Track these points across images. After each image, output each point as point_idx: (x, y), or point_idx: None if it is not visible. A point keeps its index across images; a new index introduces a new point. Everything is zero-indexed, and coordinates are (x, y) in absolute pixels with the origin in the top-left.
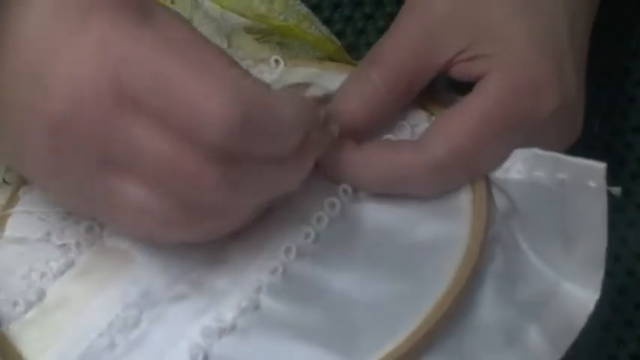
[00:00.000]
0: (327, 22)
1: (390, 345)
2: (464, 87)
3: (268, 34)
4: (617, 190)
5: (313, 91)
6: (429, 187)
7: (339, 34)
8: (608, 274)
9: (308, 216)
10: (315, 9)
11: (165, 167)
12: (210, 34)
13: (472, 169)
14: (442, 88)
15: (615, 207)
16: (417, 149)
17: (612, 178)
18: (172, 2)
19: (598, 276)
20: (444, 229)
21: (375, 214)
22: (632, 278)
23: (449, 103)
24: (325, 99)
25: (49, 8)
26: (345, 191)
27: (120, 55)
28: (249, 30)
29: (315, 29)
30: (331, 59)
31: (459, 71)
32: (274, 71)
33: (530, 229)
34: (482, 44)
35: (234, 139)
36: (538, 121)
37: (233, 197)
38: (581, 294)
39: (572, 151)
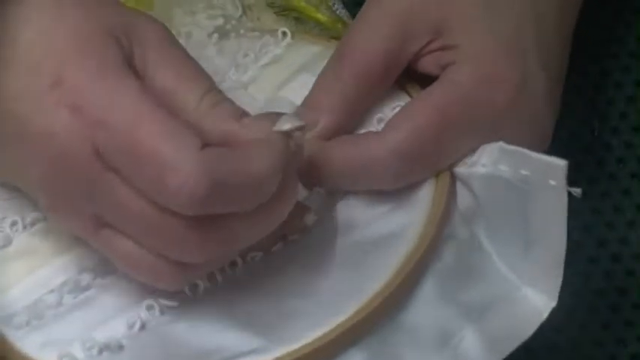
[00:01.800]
0: None
1: (313, 335)
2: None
3: (287, 10)
4: (577, 191)
5: (282, 124)
6: (393, 177)
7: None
8: (608, 274)
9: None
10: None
11: (148, 228)
12: (224, 1)
13: (434, 158)
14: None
15: (615, 207)
16: (380, 137)
17: (612, 178)
18: None
19: (556, 282)
20: (396, 226)
21: (338, 211)
22: (632, 278)
23: None
24: (296, 130)
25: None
26: (318, 194)
27: (95, 119)
28: (270, 4)
29: (331, 12)
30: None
31: (430, 62)
32: (279, 44)
33: (494, 228)
34: (450, 35)
35: (204, 207)
36: (497, 111)
37: (216, 252)
38: (537, 301)
39: (573, 151)
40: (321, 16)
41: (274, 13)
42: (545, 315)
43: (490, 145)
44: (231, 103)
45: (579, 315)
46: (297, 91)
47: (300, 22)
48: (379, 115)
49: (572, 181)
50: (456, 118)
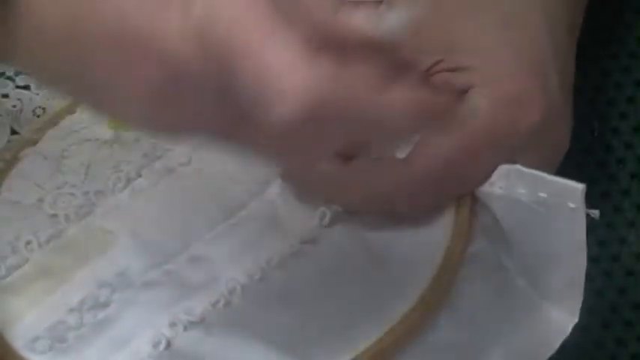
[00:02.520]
0: None
1: (343, 358)
2: None
3: None
4: (595, 213)
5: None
6: (416, 203)
7: None
8: (608, 274)
9: (295, 231)
10: None
11: None
12: None
13: (460, 183)
14: None
15: (615, 207)
16: (405, 164)
17: (612, 178)
18: None
19: (577, 300)
20: (420, 248)
21: (357, 230)
22: (632, 278)
23: None
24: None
25: None
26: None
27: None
28: None
29: None
30: None
31: (442, 82)
32: None
33: (513, 246)
34: (461, 56)
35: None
36: (523, 134)
37: None
38: (559, 317)
39: (573, 151)
40: None
41: None
42: (567, 332)
43: (506, 167)
44: None
45: (579, 315)
46: None
47: None
48: None
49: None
50: (481, 145)
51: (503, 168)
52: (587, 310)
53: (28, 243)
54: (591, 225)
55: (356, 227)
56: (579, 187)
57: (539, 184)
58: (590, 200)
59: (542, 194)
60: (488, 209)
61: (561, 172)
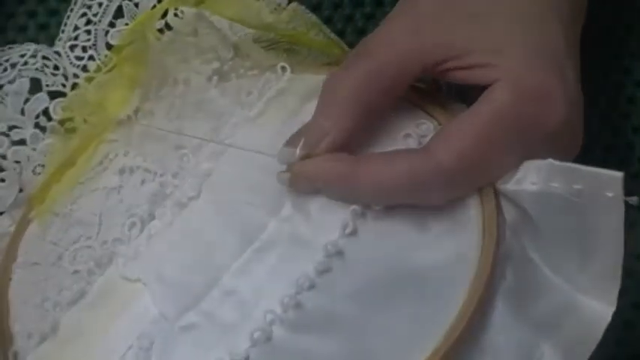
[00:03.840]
0: (327, 21)
1: None
2: (472, 98)
3: (276, 42)
4: (635, 200)
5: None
6: (439, 194)
7: (340, 34)
8: None
9: (318, 245)
10: (316, 9)
11: None
12: (215, 44)
13: (481, 175)
14: (451, 98)
15: None
16: (427, 156)
17: None
18: (176, 15)
19: (614, 289)
20: (452, 249)
21: (384, 237)
22: (632, 278)
23: (457, 112)
24: None
25: None
26: (355, 212)
27: None
28: (257, 40)
29: (324, 36)
30: (338, 64)
31: (459, 78)
32: (281, 79)
33: (544, 241)
34: (480, 53)
35: None
36: (547, 130)
37: None
38: (597, 307)
39: None
40: (316, 43)
41: (262, 47)
42: (608, 319)
43: (537, 162)
44: None
45: None
46: (310, 117)
47: (290, 53)
48: (405, 131)
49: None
50: (504, 138)
51: (532, 163)
52: None
53: (56, 305)
54: None
55: (382, 232)
56: (618, 175)
57: (574, 175)
58: None
59: (577, 186)
60: (512, 207)
61: None
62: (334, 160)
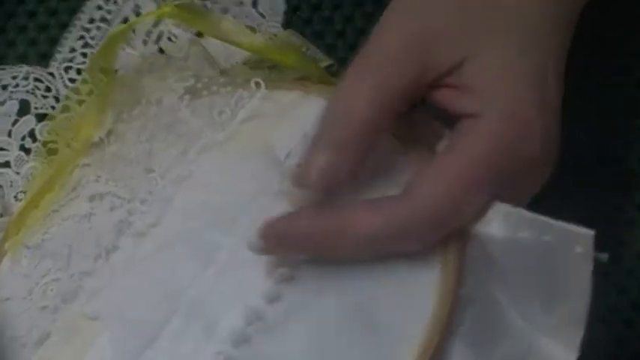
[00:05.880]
0: (327, 21)
1: None
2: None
3: (260, 61)
4: (603, 257)
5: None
6: (424, 240)
7: (340, 34)
8: (608, 274)
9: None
10: (315, 9)
11: None
12: (202, 65)
13: (464, 217)
14: (426, 118)
15: (615, 207)
16: (412, 202)
17: (612, 178)
18: (169, 39)
19: (577, 336)
20: (410, 290)
21: (340, 276)
22: (632, 278)
23: (436, 139)
24: None
25: None
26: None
27: None
28: (246, 62)
29: (302, 55)
30: (311, 78)
31: (443, 98)
32: (254, 96)
33: (510, 284)
34: (469, 75)
35: None
36: (523, 167)
37: None
38: (560, 352)
39: (572, 152)
40: (290, 60)
41: (250, 68)
42: None
43: (507, 207)
44: None
45: None
46: (282, 142)
47: (274, 70)
48: (383, 165)
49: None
50: (490, 177)
51: (502, 208)
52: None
53: (24, 345)
54: (592, 225)
55: (331, 270)
56: (589, 233)
57: (544, 228)
58: (591, 200)
59: (546, 237)
60: (479, 248)
61: (561, 171)
62: (310, 218)
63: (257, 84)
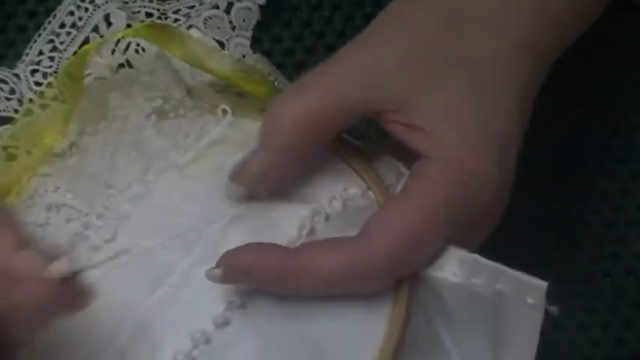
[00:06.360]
0: (327, 21)
1: None
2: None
3: (228, 87)
4: (554, 310)
5: (56, 267)
6: (379, 282)
7: (340, 34)
8: (608, 274)
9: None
10: (315, 9)
11: None
12: (168, 83)
13: (419, 260)
14: (386, 157)
15: (615, 207)
16: (369, 244)
17: (612, 177)
18: (137, 52)
19: None
20: (361, 325)
21: (291, 306)
22: (632, 278)
23: (388, 172)
24: (73, 274)
25: None
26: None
27: None
28: (212, 84)
29: (270, 85)
30: None
31: (395, 133)
32: (220, 123)
33: (458, 330)
34: (420, 115)
35: None
36: (476, 212)
37: None
38: None
39: (571, 152)
40: (254, 89)
41: (215, 91)
42: None
43: (461, 253)
44: (17, 231)
45: (578, 315)
46: None
47: (242, 97)
48: (331, 193)
49: (571, 181)
50: (443, 220)
51: (456, 253)
52: (587, 310)
53: None
54: (592, 225)
55: (282, 300)
56: (542, 285)
57: (498, 276)
58: (591, 200)
59: (499, 286)
60: (429, 289)
61: (561, 171)
62: (272, 252)
63: (224, 111)
